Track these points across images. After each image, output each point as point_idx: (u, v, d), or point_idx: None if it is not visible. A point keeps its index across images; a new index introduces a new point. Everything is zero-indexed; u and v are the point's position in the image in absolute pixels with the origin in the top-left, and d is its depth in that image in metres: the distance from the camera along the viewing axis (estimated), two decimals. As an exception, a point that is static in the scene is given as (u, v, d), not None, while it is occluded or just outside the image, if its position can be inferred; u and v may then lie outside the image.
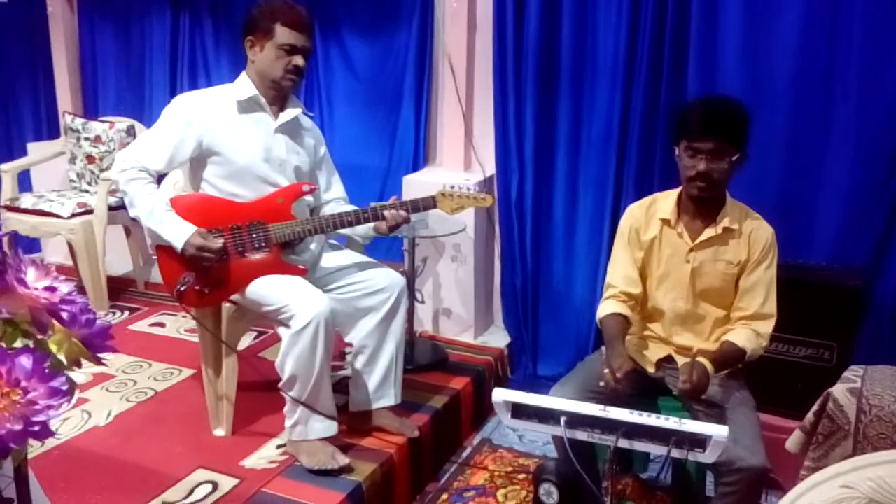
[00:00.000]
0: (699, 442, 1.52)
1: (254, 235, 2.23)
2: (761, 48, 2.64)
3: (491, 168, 3.23)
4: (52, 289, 1.18)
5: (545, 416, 1.63)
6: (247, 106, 2.27)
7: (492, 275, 3.39)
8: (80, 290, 3.70)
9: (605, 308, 2.16)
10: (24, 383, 1.08)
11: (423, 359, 3.01)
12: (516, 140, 3.10)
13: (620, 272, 2.19)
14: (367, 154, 3.44)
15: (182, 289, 2.16)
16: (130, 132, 3.65)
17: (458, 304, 3.27)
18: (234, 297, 2.27)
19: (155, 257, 2.22)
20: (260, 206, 2.24)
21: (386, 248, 3.36)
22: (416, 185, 3.18)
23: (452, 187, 2.40)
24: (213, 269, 2.19)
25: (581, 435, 1.61)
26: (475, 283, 3.23)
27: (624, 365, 1.91)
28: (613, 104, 2.92)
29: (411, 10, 3.27)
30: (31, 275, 1.19)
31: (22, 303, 1.17)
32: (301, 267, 2.29)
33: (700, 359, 1.93)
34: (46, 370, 1.11)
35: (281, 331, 2.19)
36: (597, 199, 3.04)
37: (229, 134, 2.23)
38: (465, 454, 2.76)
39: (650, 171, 2.88)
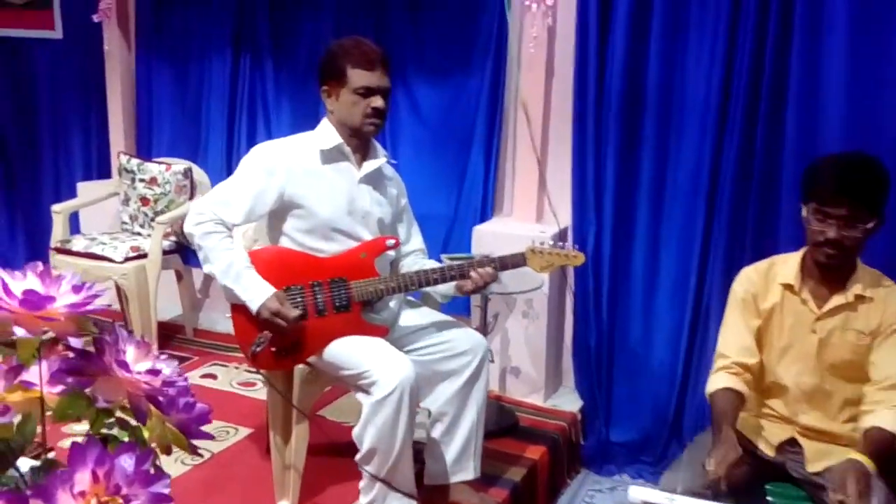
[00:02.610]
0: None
1: (334, 293, 2.07)
2: (870, 93, 2.46)
3: (565, 219, 3.06)
4: (155, 371, 1.01)
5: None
6: (330, 155, 2.13)
7: (562, 332, 3.19)
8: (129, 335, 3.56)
9: (716, 381, 1.95)
10: (125, 489, 0.91)
11: (492, 423, 2.80)
12: (594, 190, 2.93)
13: (735, 341, 2.00)
14: (432, 202, 3.27)
15: (257, 350, 1.99)
16: (187, 175, 3.53)
17: (528, 364, 3.07)
18: (311, 358, 2.09)
19: (229, 316, 2.06)
20: (342, 262, 2.09)
21: (451, 301, 3.18)
22: (487, 236, 3.01)
23: (542, 243, 2.22)
24: (290, 329, 2.02)
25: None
26: (547, 340, 3.03)
27: (729, 454, 1.70)
28: (703, 153, 2.74)
29: (484, 54, 3.14)
30: (130, 354, 1.03)
31: (121, 389, 1.00)
32: (383, 327, 2.11)
33: (855, 455, 1.67)
34: (149, 471, 0.94)
35: (361, 398, 2.01)
36: (681, 254, 2.85)
37: (312, 185, 2.08)
38: (542, 531, 2.54)
39: (743, 226, 2.69)
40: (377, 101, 2.09)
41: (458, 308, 3.10)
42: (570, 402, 3.11)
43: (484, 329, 2.81)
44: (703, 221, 2.77)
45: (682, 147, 2.80)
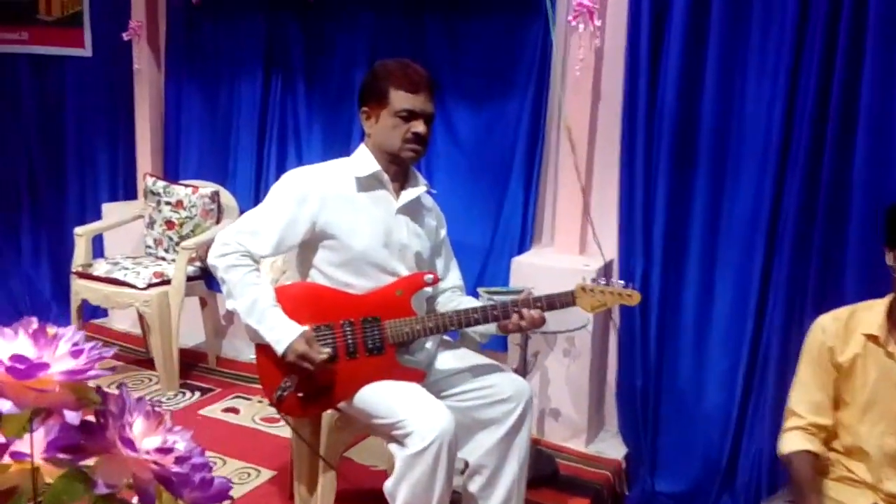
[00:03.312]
0: None
1: (367, 334, 1.90)
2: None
3: (611, 252, 2.88)
4: (166, 449, 0.85)
5: None
6: (366, 183, 1.97)
7: (605, 372, 3.00)
8: (149, 363, 3.43)
9: (793, 441, 1.77)
10: None
11: (531, 470, 2.59)
12: (643, 222, 2.75)
13: (807, 398, 1.82)
14: (468, 231, 3.09)
15: (282, 395, 1.83)
16: (214, 199, 3.41)
17: (569, 406, 2.87)
18: (340, 404, 1.93)
19: (253, 357, 1.90)
20: (376, 300, 1.92)
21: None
22: (526, 268, 2.84)
23: (594, 281, 2.04)
24: (319, 373, 1.86)
25: None
26: (590, 381, 2.84)
27: None
28: (763, 187, 2.55)
29: (526, 76, 2.98)
30: (138, 426, 0.87)
31: (126, 469, 0.84)
32: (419, 371, 1.94)
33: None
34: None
35: (394, 449, 1.83)
36: (737, 293, 2.66)
37: (347, 215, 1.93)
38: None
39: (805, 265, 2.49)
40: (419, 126, 1.94)
41: (494, 345, 2.93)
42: (613, 447, 2.90)
43: (524, 369, 2.63)
44: (762, 259, 2.58)
45: (741, 178, 2.61)
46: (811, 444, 1.76)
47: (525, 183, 3.03)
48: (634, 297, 2.04)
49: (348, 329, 1.90)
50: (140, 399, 0.90)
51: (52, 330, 0.83)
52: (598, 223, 2.90)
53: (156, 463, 0.84)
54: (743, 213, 2.62)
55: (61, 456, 0.85)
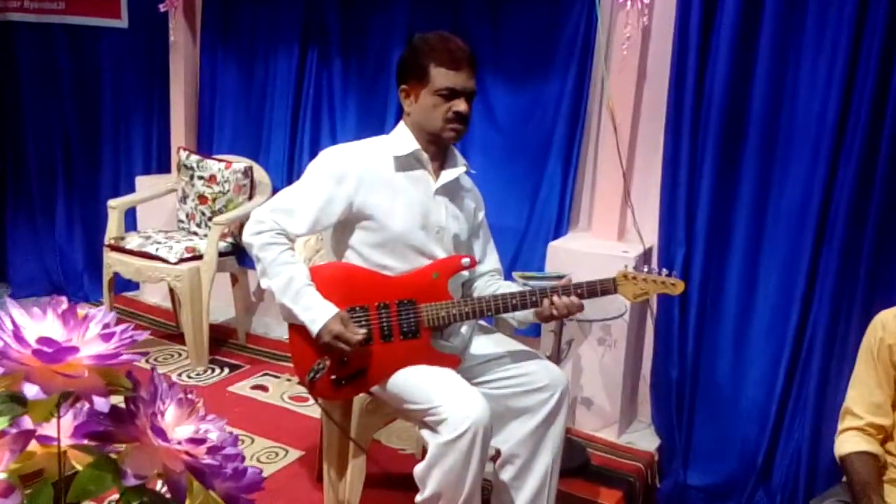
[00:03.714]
0: None
1: (402, 317, 1.85)
2: None
3: (650, 238, 2.79)
4: (199, 440, 0.81)
5: None
6: (405, 162, 1.91)
7: (640, 362, 2.92)
8: (179, 337, 3.43)
9: (851, 443, 1.71)
10: None
11: (562, 460, 2.55)
12: (685, 208, 2.66)
13: (866, 398, 1.74)
14: (503, 214, 3.02)
15: (315, 377, 1.78)
16: (248, 174, 3.38)
17: (602, 396, 2.81)
18: (373, 388, 1.89)
19: (284, 336, 1.86)
20: (412, 282, 1.87)
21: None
22: (562, 253, 2.77)
23: (636, 268, 1.97)
24: (353, 355, 1.81)
25: None
26: (624, 371, 2.77)
27: None
28: (815, 174, 2.44)
29: (569, 55, 2.89)
30: (170, 414, 0.83)
31: (156, 460, 0.80)
32: (454, 356, 1.89)
33: None
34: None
35: (426, 435, 1.79)
36: (783, 284, 2.56)
37: (385, 195, 1.87)
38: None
39: (856, 259, 2.38)
40: (460, 105, 1.87)
41: (527, 331, 2.84)
42: (645, 438, 2.84)
43: (557, 356, 2.58)
44: (810, 249, 2.47)
45: (791, 165, 2.51)
46: (870, 446, 1.70)
47: (564, 165, 2.95)
48: (678, 286, 1.96)
49: (383, 311, 1.85)
50: (173, 385, 0.86)
51: (82, 311, 0.79)
52: (638, 208, 2.81)
53: (188, 453, 0.80)
54: (792, 203, 2.52)
55: (88, 442, 0.81)
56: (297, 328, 1.84)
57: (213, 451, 0.83)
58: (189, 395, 0.85)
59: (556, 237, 2.95)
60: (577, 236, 2.94)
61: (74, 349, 0.72)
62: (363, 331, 1.80)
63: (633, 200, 2.82)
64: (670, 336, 2.74)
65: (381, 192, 1.86)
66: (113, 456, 0.80)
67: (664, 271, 1.96)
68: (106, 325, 0.79)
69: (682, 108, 2.61)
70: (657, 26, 2.68)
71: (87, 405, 0.76)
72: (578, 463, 2.58)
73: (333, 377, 1.83)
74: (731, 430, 2.71)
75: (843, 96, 2.35)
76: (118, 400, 0.79)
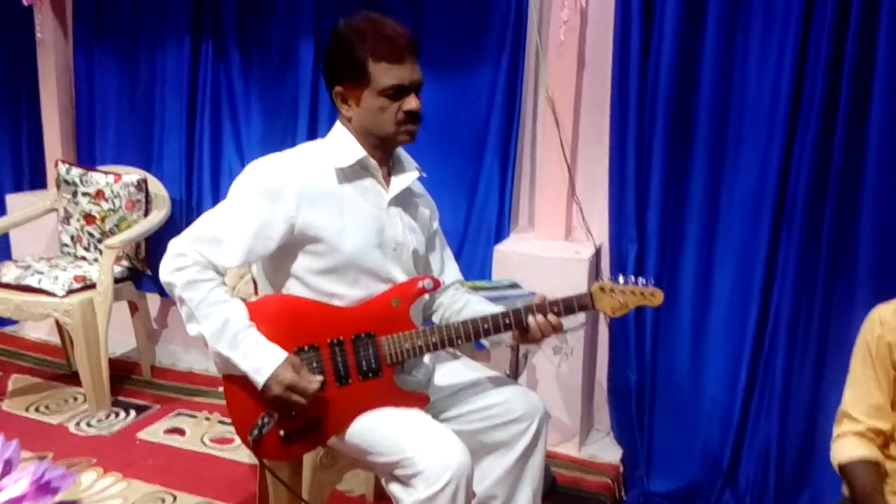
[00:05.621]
0: None
1: (360, 354, 1.56)
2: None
3: (600, 236, 2.61)
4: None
5: None
6: (350, 173, 1.62)
7: (594, 368, 2.75)
8: (72, 378, 2.98)
9: (850, 448, 1.57)
10: None
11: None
12: (636, 202, 2.49)
13: (864, 400, 1.60)
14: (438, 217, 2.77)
15: (260, 435, 1.47)
16: (141, 187, 2.96)
17: (561, 408, 2.61)
18: (331, 440, 1.59)
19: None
20: (368, 312, 1.58)
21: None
22: (511, 258, 2.55)
23: (612, 280, 1.75)
24: (307, 406, 1.51)
25: None
26: (582, 380, 2.58)
27: None
28: (769, 159, 2.32)
29: (500, 43, 2.66)
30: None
31: None
32: (423, 395, 1.62)
33: None
34: None
35: (396, 490, 1.52)
36: (739, 276, 2.44)
37: (331, 212, 1.56)
38: None
39: (816, 243, 2.28)
40: (411, 103, 1.59)
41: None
42: (606, 449, 2.67)
43: (515, 371, 2.36)
44: (767, 238, 2.35)
45: (744, 151, 2.37)
46: (871, 453, 1.55)
47: (501, 161, 2.73)
48: (657, 297, 1.75)
49: (337, 349, 1.55)
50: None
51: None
52: (585, 204, 2.63)
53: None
54: (746, 189, 2.39)
55: None
56: (235, 378, 1.52)
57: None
58: None
59: (498, 240, 2.72)
60: (521, 238, 2.73)
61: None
62: (319, 377, 1.50)
63: (579, 196, 2.64)
64: (626, 339, 2.57)
65: (326, 208, 1.56)
66: None
67: (640, 280, 1.75)
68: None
69: (627, 94, 2.44)
70: (595, 6, 2.49)
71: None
72: (546, 486, 2.36)
73: (282, 432, 1.52)
74: (694, 432, 2.58)
75: (796, 68, 2.23)
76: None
